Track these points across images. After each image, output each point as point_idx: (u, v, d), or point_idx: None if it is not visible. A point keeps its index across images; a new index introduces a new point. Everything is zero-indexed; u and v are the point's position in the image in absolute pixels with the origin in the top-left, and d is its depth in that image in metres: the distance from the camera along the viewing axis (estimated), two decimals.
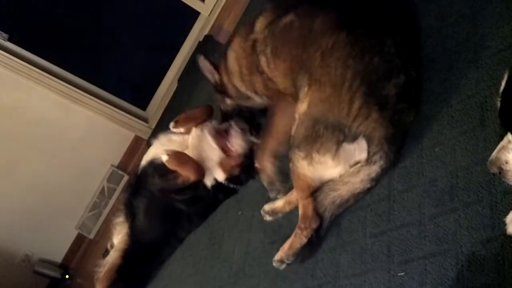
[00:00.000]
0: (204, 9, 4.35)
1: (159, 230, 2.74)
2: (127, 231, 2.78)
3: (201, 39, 4.31)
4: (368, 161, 1.61)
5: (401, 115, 1.61)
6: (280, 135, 2.03)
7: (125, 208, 2.81)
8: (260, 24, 2.02)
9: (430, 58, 1.70)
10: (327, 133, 1.63)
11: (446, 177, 1.43)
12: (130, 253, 2.78)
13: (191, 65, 4.25)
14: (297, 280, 1.82)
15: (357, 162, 1.64)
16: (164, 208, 2.62)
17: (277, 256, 1.85)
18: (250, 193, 2.40)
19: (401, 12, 1.90)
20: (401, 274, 1.42)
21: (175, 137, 2.61)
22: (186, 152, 2.51)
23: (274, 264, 1.86)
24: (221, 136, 2.51)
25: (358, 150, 1.62)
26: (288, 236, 1.84)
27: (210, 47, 4.02)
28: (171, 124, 2.58)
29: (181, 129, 2.57)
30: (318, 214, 1.72)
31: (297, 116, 1.76)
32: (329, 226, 1.74)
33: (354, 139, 1.60)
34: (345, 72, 1.61)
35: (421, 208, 1.46)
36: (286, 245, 1.83)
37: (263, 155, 2.10)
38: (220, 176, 2.50)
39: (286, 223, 1.99)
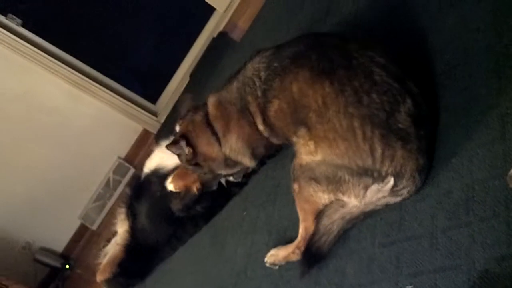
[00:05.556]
0: (220, 5, 4.32)
1: (160, 233, 2.74)
2: (128, 229, 2.79)
3: (215, 36, 4.28)
4: (393, 194, 1.52)
5: (427, 140, 1.52)
6: None
7: (127, 208, 2.81)
8: (259, 120, 1.92)
9: (450, 65, 1.64)
10: (354, 180, 1.52)
11: (461, 189, 1.38)
12: (131, 250, 2.79)
13: (204, 61, 4.23)
14: (300, 286, 1.78)
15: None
16: (167, 212, 2.59)
17: (270, 259, 1.91)
18: (256, 193, 2.36)
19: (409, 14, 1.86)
20: (410, 287, 1.38)
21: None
22: None
23: (266, 263, 1.92)
24: None
25: (386, 187, 1.51)
26: (293, 239, 1.81)
27: (223, 44, 4.00)
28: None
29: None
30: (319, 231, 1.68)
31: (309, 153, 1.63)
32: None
33: (384, 179, 1.50)
34: (351, 121, 1.49)
35: (434, 219, 1.42)
36: (281, 253, 1.86)
37: None
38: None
39: (291, 226, 1.95)
